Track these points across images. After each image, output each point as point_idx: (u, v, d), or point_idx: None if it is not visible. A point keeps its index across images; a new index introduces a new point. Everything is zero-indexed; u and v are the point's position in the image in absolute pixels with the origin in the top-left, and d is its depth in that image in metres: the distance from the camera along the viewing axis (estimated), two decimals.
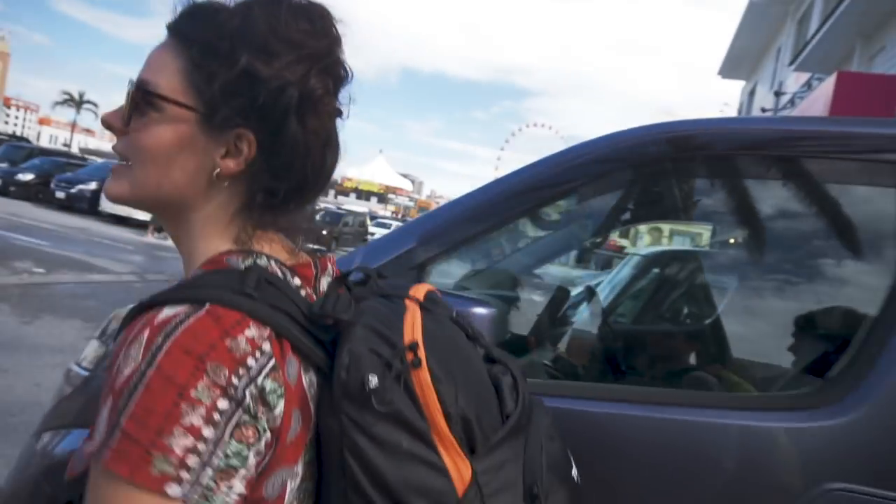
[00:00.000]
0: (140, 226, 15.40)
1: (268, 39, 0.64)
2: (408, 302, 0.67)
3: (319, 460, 0.64)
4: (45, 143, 68.23)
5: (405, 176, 74.40)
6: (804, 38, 16.66)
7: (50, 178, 17.43)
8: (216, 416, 0.54)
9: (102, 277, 8.44)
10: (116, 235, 13.58)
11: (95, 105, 77.82)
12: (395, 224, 34.02)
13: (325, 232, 20.47)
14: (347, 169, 64.19)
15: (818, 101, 10.04)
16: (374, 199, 64.34)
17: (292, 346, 0.62)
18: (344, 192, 61.42)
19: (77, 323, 5.77)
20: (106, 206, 15.88)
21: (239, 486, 0.55)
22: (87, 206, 16.27)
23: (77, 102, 77.43)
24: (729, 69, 24.19)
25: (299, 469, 0.62)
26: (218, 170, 0.66)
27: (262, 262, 0.66)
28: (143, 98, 0.66)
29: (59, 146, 73.41)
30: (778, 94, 16.09)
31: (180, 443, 0.52)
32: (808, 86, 14.54)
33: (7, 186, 17.29)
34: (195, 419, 0.53)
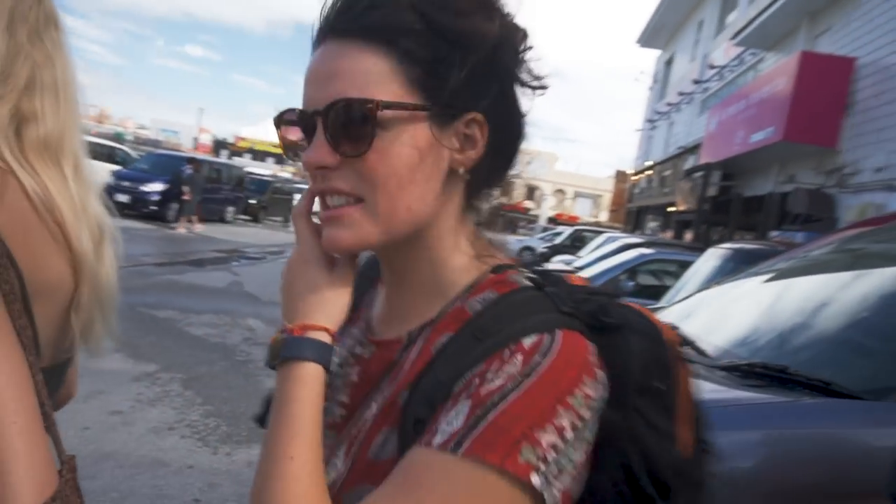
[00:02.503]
0: None
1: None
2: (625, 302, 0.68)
3: None
4: None
5: None
6: (728, 10, 17.38)
7: None
8: (578, 423, 0.55)
9: None
10: None
11: None
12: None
13: (252, 201, 19.16)
14: (241, 128, 60.99)
15: (778, 79, 10.44)
16: (270, 160, 61.47)
17: None
18: (237, 153, 58.57)
19: None
20: None
21: (560, 485, 0.54)
22: None
23: None
24: (648, 38, 24.90)
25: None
26: (460, 168, 0.62)
27: (527, 275, 0.65)
28: (363, 118, 0.57)
29: None
30: (712, 66, 16.70)
31: (548, 438, 0.53)
32: (740, 60, 15.20)
33: None
34: (565, 421, 0.54)
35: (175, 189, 14.09)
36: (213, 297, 7.78)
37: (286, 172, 51.55)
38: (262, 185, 20.70)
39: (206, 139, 59.72)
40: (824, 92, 9.80)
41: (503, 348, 0.56)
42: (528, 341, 0.56)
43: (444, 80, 0.58)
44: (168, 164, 15.04)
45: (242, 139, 61.37)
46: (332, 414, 0.68)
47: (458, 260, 0.65)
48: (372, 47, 0.58)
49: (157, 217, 13.47)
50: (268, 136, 62.36)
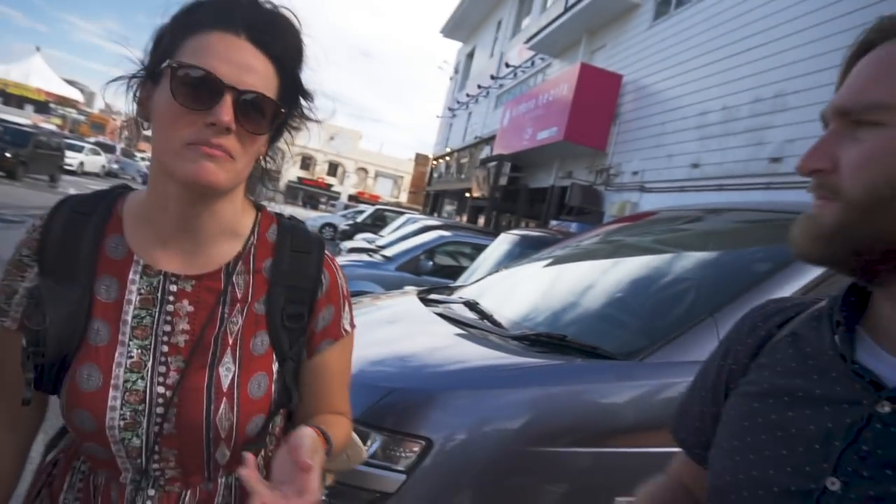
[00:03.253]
0: None
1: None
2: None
3: None
4: None
5: (72, 83, 61.51)
6: (524, 14, 18.89)
7: None
8: None
9: None
10: None
11: None
12: (87, 146, 28.19)
13: (8, 154, 16.33)
14: None
15: (562, 84, 11.70)
16: (30, 108, 52.23)
17: None
18: None
19: None
20: None
21: None
22: None
23: None
24: (451, 30, 25.98)
25: None
26: (262, 163, 0.92)
27: (275, 212, 0.99)
28: (272, 115, 0.82)
29: None
30: (508, 65, 18.02)
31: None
32: (532, 63, 16.68)
33: None
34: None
35: None
36: None
37: (50, 124, 44.15)
38: (20, 136, 17.59)
39: None
40: (598, 101, 11.21)
41: (324, 255, 0.94)
42: (326, 250, 0.94)
43: (284, 108, 0.86)
44: None
45: None
46: (175, 343, 0.85)
47: (241, 209, 0.91)
48: (276, 67, 0.83)
49: None
50: (28, 80, 52.72)
